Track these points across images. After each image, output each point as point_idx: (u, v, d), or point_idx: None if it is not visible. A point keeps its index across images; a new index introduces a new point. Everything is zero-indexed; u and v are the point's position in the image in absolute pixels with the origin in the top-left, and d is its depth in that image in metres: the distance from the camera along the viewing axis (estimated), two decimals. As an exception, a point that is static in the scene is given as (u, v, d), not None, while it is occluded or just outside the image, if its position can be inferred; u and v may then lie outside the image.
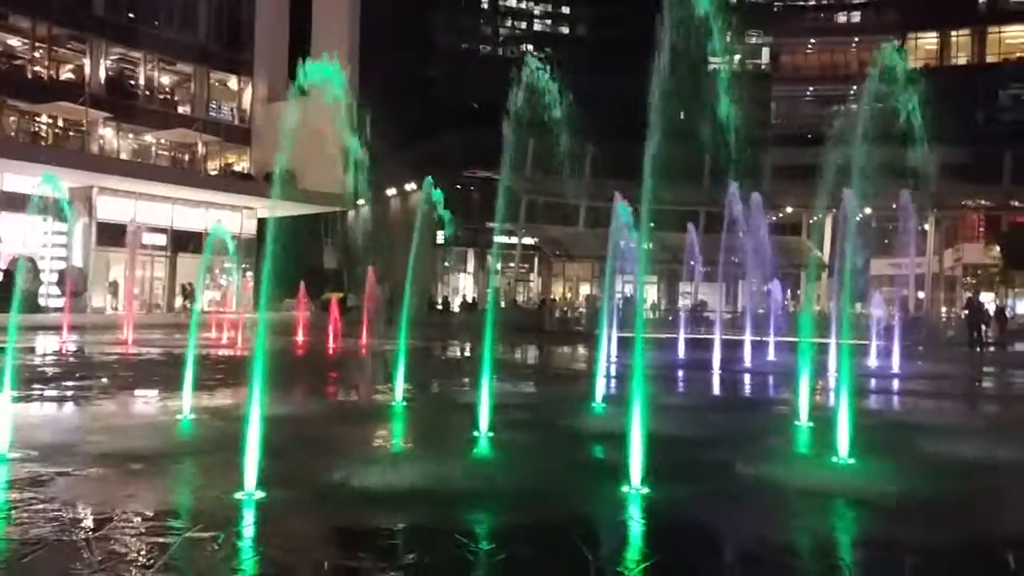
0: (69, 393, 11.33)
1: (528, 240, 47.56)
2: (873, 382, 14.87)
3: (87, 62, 38.69)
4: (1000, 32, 61.78)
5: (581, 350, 22.82)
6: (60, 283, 32.17)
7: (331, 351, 20.31)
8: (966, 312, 28.73)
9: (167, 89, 43.51)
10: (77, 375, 13.50)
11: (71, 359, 16.71)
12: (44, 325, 23.45)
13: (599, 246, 23.18)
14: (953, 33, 62.86)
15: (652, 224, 7.70)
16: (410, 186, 56.69)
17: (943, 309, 42.28)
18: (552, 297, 47.44)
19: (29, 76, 37.31)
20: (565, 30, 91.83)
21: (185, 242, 38.88)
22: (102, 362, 15.91)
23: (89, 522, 5.13)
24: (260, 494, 5.64)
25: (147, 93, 41.52)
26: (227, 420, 8.63)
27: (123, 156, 40.08)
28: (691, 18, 6.90)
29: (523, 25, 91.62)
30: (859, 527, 5.69)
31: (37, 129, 38.32)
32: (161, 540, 4.74)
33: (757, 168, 41.47)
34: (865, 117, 8.07)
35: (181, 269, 38.40)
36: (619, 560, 4.81)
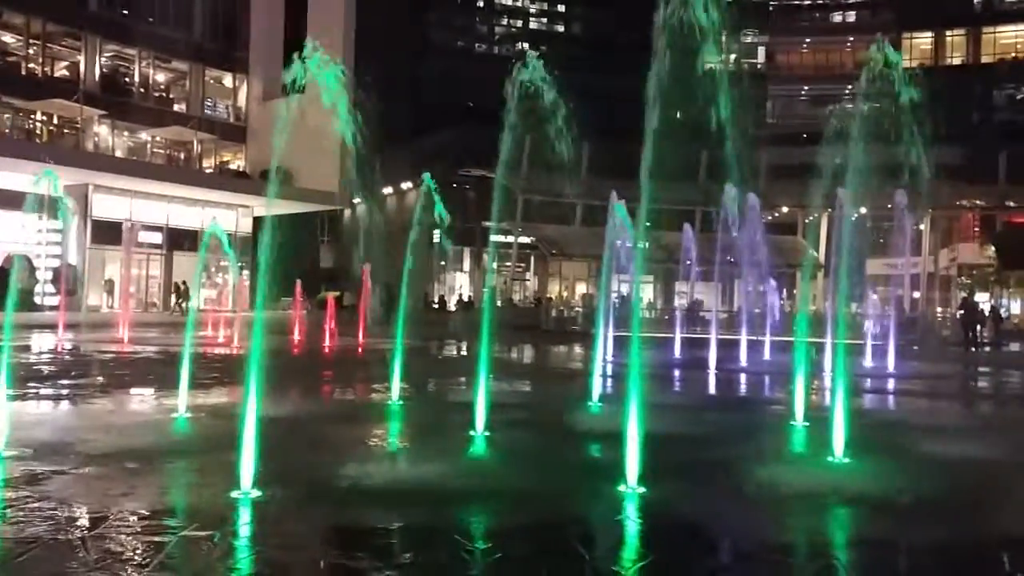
0: (65, 391, 11.31)
1: (524, 239, 47.57)
2: (868, 382, 14.90)
3: (82, 59, 38.60)
4: (995, 32, 61.95)
5: (578, 349, 22.84)
6: (55, 281, 32.08)
7: (327, 350, 20.29)
8: (961, 312, 28.82)
9: (162, 86, 43.43)
10: (73, 373, 13.46)
11: (67, 357, 16.66)
12: (39, 323, 23.39)
13: (596, 245, 23.19)
14: (948, 33, 63.01)
15: (648, 223, 7.71)
16: (406, 184, 56.67)
17: (938, 309, 42.39)
18: (548, 296, 47.47)
19: (23, 73, 37.23)
20: (560, 28, 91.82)
21: (181, 240, 38.83)
22: (98, 360, 15.88)
23: (85, 521, 5.11)
24: (256, 493, 5.63)
25: (142, 90, 41.45)
26: (223, 419, 8.61)
27: (118, 154, 40.02)
28: (687, 17, 6.91)
29: (518, 23, 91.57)
30: (855, 527, 5.71)
31: (31, 126, 38.22)
32: (157, 539, 4.73)
33: (753, 167, 41.50)
34: (860, 116, 8.09)
35: (177, 267, 38.32)
36: (615, 559, 4.81)
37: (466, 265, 60.61)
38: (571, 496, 6.13)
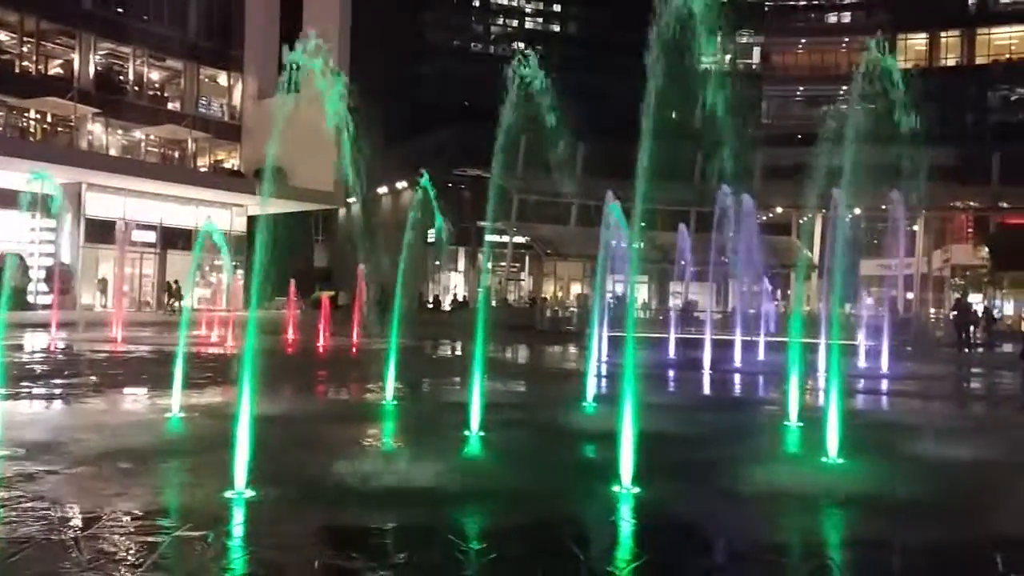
0: (58, 391, 11.27)
1: (519, 238, 47.59)
2: (862, 382, 14.94)
3: (76, 57, 38.46)
4: (989, 33, 62.17)
5: (572, 349, 22.84)
6: (48, 280, 31.99)
7: (321, 349, 20.27)
8: (955, 313, 28.91)
9: (156, 85, 43.30)
10: (66, 373, 13.42)
11: (60, 357, 16.61)
12: (33, 322, 23.30)
13: (591, 245, 23.21)
14: (942, 34, 63.22)
15: (643, 223, 7.71)
16: (401, 184, 56.64)
17: (932, 310, 42.52)
18: (543, 296, 47.48)
19: (17, 71, 37.05)
20: (556, 28, 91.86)
21: (175, 239, 38.74)
22: (91, 360, 15.83)
23: (78, 521, 5.10)
24: (250, 493, 5.62)
25: (136, 89, 41.31)
26: (217, 418, 8.59)
27: (112, 152, 39.88)
28: (682, 17, 6.91)
29: (514, 23, 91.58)
30: (848, 527, 5.72)
31: (25, 124, 38.07)
32: (150, 539, 4.72)
33: (748, 168, 41.60)
34: (855, 117, 8.10)
35: (171, 267, 38.23)
36: (610, 559, 4.82)
37: (461, 265, 60.60)
38: (566, 496, 6.13)
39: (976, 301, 37.10)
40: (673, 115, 7.21)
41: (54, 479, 6.05)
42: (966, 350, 26.26)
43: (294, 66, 6.77)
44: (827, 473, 6.84)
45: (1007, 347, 27.90)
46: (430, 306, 50.39)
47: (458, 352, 21.17)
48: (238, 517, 5.34)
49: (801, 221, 44.13)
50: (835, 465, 7.00)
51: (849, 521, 5.82)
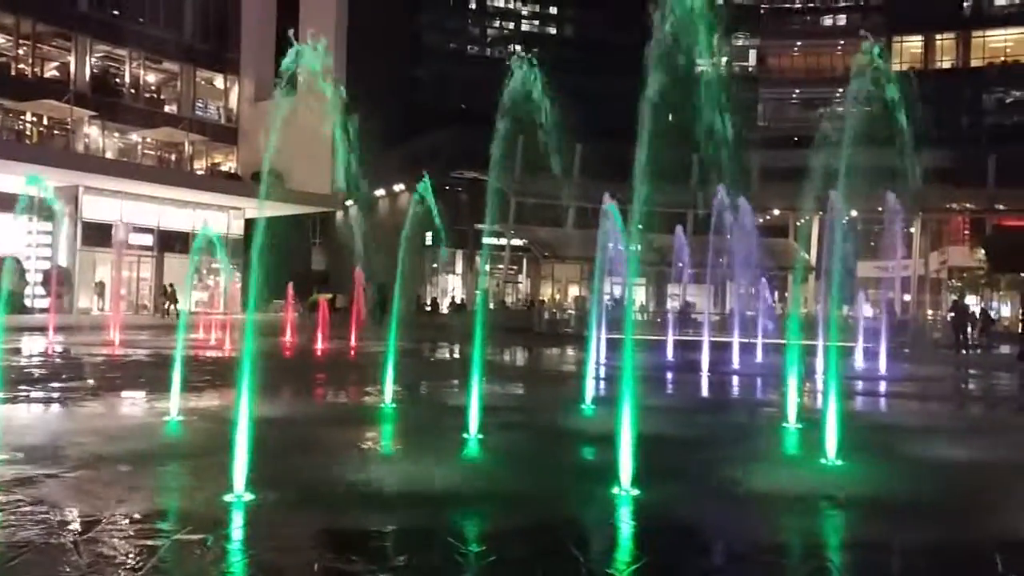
0: (56, 395, 11.24)
1: (517, 241, 47.61)
2: (860, 384, 14.96)
3: (72, 60, 38.44)
4: (984, 36, 62.35)
5: (570, 352, 22.84)
6: (45, 283, 31.94)
7: (319, 352, 20.25)
8: (952, 315, 28.95)
9: (153, 87, 43.29)
10: (64, 376, 13.40)
11: (58, 360, 16.58)
12: (30, 326, 23.26)
13: (588, 247, 23.23)
14: (938, 37, 63.39)
15: (641, 225, 7.73)
16: (399, 186, 56.64)
17: (929, 312, 42.60)
18: (541, 298, 47.50)
19: (13, 73, 37.02)
20: (552, 31, 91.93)
21: (172, 242, 38.71)
22: (89, 363, 15.80)
23: (77, 525, 5.08)
24: (249, 496, 5.61)
25: (132, 91, 41.30)
26: (215, 422, 8.59)
27: (109, 155, 39.85)
28: (679, 20, 6.93)
29: (511, 26, 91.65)
30: (847, 528, 5.73)
31: (21, 127, 38.03)
32: (149, 543, 4.71)
33: (745, 170, 41.65)
34: (851, 120, 8.12)
35: (168, 270, 38.20)
36: (610, 561, 4.82)
37: (458, 267, 60.62)
38: (565, 498, 6.13)
39: (973, 303, 37.15)
40: (670, 117, 7.22)
41: (53, 483, 6.04)
42: (964, 352, 26.30)
43: (290, 69, 6.77)
44: (826, 474, 6.85)
45: (1004, 348, 27.96)
46: (428, 309, 50.40)
47: (456, 355, 21.16)
48: (237, 520, 5.34)
49: (798, 223, 44.20)
50: (834, 467, 7.01)
51: (848, 522, 5.83)
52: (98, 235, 35.62)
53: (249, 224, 40.98)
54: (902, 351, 22.37)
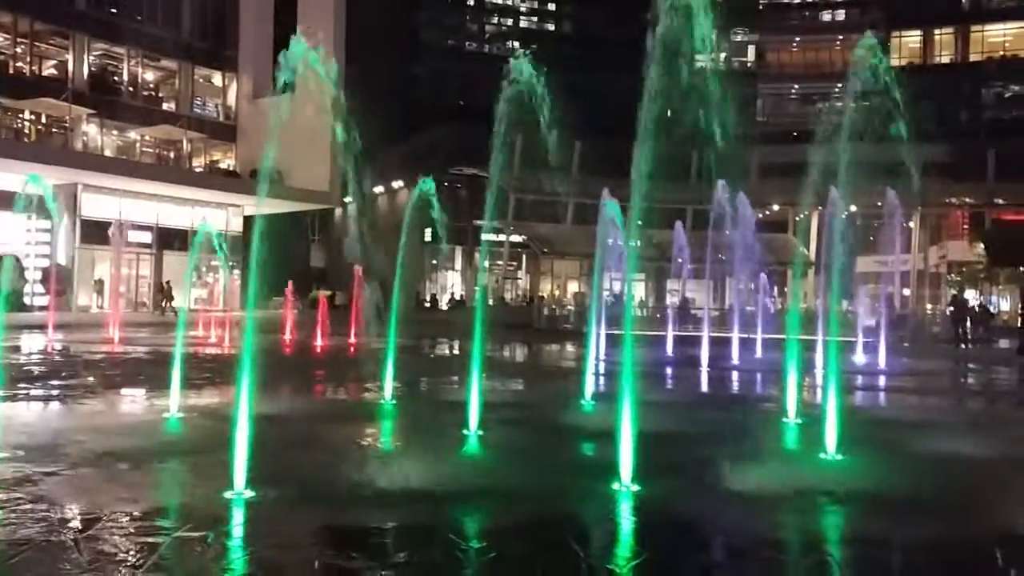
0: (55, 392, 11.24)
1: (516, 237, 47.59)
2: (860, 379, 14.97)
3: (70, 58, 38.37)
4: (983, 30, 62.26)
5: (570, 347, 22.86)
6: (44, 281, 31.92)
7: (319, 349, 20.25)
8: (951, 309, 28.97)
9: (151, 85, 43.22)
10: (63, 374, 13.39)
11: (57, 358, 16.58)
12: (29, 324, 23.25)
13: (587, 243, 23.23)
14: (937, 31, 63.29)
15: (640, 221, 7.72)
16: (398, 183, 56.61)
17: (928, 306, 42.62)
18: (540, 294, 47.49)
19: (11, 72, 36.96)
20: (551, 27, 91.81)
21: (171, 240, 38.69)
22: (88, 361, 15.79)
23: (77, 522, 5.09)
24: (249, 493, 5.62)
25: (131, 89, 41.24)
26: (215, 419, 8.59)
27: (107, 153, 39.81)
28: (677, 16, 6.92)
29: (509, 22, 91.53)
30: (847, 523, 5.73)
31: (20, 125, 37.98)
32: (150, 540, 4.71)
33: (744, 166, 41.65)
34: (850, 114, 8.11)
35: (167, 267, 38.19)
36: (610, 557, 4.83)
37: (458, 264, 60.58)
38: (565, 494, 6.13)
39: (972, 297, 37.17)
40: (669, 113, 7.21)
41: (53, 480, 6.04)
42: (963, 346, 26.32)
43: (288, 66, 6.75)
44: (826, 469, 6.85)
45: (1004, 343, 27.99)
46: (427, 305, 50.40)
47: (456, 351, 21.18)
48: (238, 517, 5.34)
49: (797, 218, 44.19)
50: (834, 461, 7.01)
51: (848, 517, 5.83)
52: (97, 233, 35.57)
53: (248, 221, 40.95)
54: (902, 345, 22.39)
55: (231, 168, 44.35)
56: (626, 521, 5.51)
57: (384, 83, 67.48)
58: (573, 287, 51.02)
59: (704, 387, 14.70)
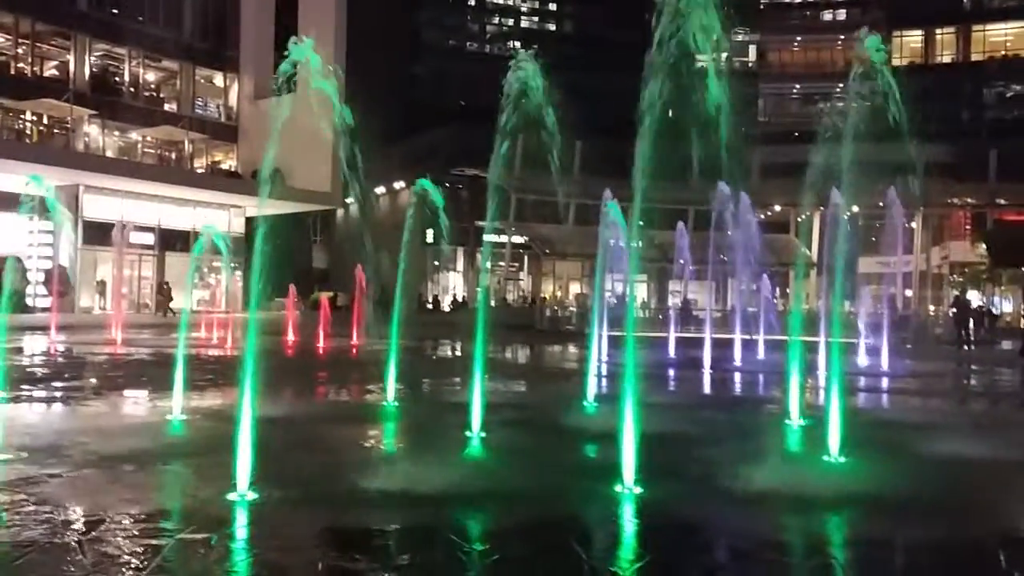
0: (58, 394, 11.26)
1: (518, 238, 47.59)
2: (863, 380, 14.95)
3: (71, 58, 38.42)
4: (984, 30, 62.24)
5: (572, 349, 22.85)
6: (47, 283, 31.95)
7: (321, 351, 20.26)
8: (954, 310, 28.94)
9: (152, 86, 43.27)
10: (66, 376, 13.41)
11: (60, 359, 16.59)
12: (32, 325, 23.27)
13: (589, 244, 23.23)
14: (938, 31, 63.28)
15: (642, 222, 7.71)
16: (399, 184, 56.63)
17: (931, 307, 42.57)
18: (542, 295, 47.48)
19: (13, 73, 37.00)
20: (552, 27, 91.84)
21: (173, 241, 38.72)
22: (91, 362, 15.81)
23: (81, 524, 5.10)
24: (252, 495, 5.62)
25: (132, 90, 41.28)
26: (218, 421, 8.59)
27: (109, 154, 39.85)
28: (679, 16, 6.91)
29: (510, 22, 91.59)
30: (851, 526, 5.73)
31: (21, 126, 38.03)
32: (154, 542, 4.72)
33: (745, 166, 41.63)
34: (851, 114, 8.10)
35: (169, 268, 38.21)
36: (613, 559, 4.82)
37: (459, 265, 60.60)
38: (567, 496, 6.13)
39: (975, 298, 37.13)
40: (670, 113, 7.21)
41: (56, 482, 6.04)
42: (966, 347, 26.29)
43: (290, 66, 6.76)
44: (829, 472, 6.84)
45: (1006, 344, 27.95)
46: (429, 306, 50.42)
47: (458, 352, 21.17)
48: (241, 519, 5.34)
49: (799, 219, 44.14)
50: (837, 464, 7.00)
51: (851, 520, 5.82)
52: (99, 234, 35.62)
53: (250, 222, 40.98)
54: (904, 346, 22.37)
55: (233, 169, 44.39)
56: (628, 523, 5.51)
57: (385, 83, 67.51)
58: (575, 288, 51.00)
59: (706, 389, 14.70)
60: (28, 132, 38.22)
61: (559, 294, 50.80)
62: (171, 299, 34.72)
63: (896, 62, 56.78)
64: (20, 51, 37.51)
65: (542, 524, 5.36)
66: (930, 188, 37.36)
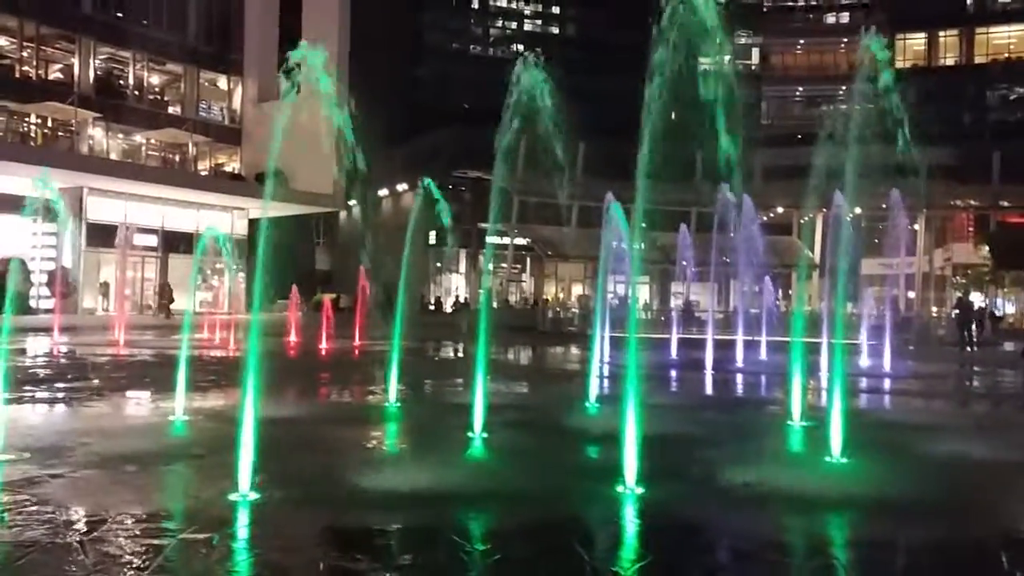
0: (61, 395, 11.28)
1: (520, 240, 47.56)
2: (865, 382, 14.93)
3: (76, 62, 38.49)
4: (988, 33, 62.21)
5: (574, 350, 22.84)
6: (50, 284, 32.00)
7: (324, 352, 20.27)
8: (956, 312, 28.88)
9: (156, 89, 43.34)
10: (69, 376, 13.43)
11: (63, 360, 16.62)
12: (35, 327, 23.32)
13: (592, 246, 23.22)
14: (941, 34, 63.26)
15: (644, 224, 7.72)
16: (402, 186, 56.70)
17: (933, 309, 42.49)
18: (545, 297, 47.47)
19: (17, 76, 37.08)
20: (555, 30, 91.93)
21: (176, 243, 38.77)
22: (94, 363, 15.83)
23: (82, 524, 5.11)
24: (254, 495, 5.63)
25: (136, 93, 41.35)
26: (220, 422, 8.61)
27: (113, 156, 39.90)
28: (682, 19, 6.92)
29: (513, 25, 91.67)
30: (852, 526, 5.72)
31: (26, 129, 38.12)
32: (155, 542, 4.73)
33: (748, 168, 41.57)
34: (854, 117, 8.10)
35: (172, 270, 38.26)
36: (614, 560, 4.82)
37: (462, 267, 60.63)
38: (569, 497, 6.13)
39: (977, 300, 37.06)
40: (673, 116, 7.22)
41: (59, 483, 6.06)
42: (968, 349, 26.24)
43: (293, 69, 6.78)
44: (831, 473, 6.84)
45: (1008, 345, 27.89)
46: (432, 308, 50.43)
47: (460, 354, 21.18)
48: (243, 519, 5.35)
49: (802, 221, 44.08)
50: (839, 465, 6.99)
51: (853, 520, 5.82)
52: (102, 236, 35.66)
53: (253, 224, 41.04)
54: (907, 348, 22.34)
55: (236, 171, 44.44)
56: (630, 524, 5.51)
57: (388, 86, 67.62)
58: (577, 290, 50.98)
59: (709, 390, 14.69)
60: (32, 135, 38.30)
61: (561, 296, 50.79)
62: (172, 300, 34.75)
63: (899, 65, 56.80)
64: (25, 54, 37.59)
65: (544, 525, 5.36)
66: (933, 190, 37.34)
